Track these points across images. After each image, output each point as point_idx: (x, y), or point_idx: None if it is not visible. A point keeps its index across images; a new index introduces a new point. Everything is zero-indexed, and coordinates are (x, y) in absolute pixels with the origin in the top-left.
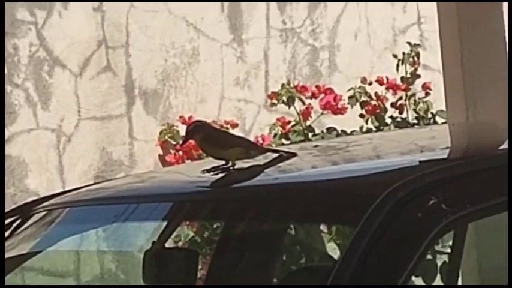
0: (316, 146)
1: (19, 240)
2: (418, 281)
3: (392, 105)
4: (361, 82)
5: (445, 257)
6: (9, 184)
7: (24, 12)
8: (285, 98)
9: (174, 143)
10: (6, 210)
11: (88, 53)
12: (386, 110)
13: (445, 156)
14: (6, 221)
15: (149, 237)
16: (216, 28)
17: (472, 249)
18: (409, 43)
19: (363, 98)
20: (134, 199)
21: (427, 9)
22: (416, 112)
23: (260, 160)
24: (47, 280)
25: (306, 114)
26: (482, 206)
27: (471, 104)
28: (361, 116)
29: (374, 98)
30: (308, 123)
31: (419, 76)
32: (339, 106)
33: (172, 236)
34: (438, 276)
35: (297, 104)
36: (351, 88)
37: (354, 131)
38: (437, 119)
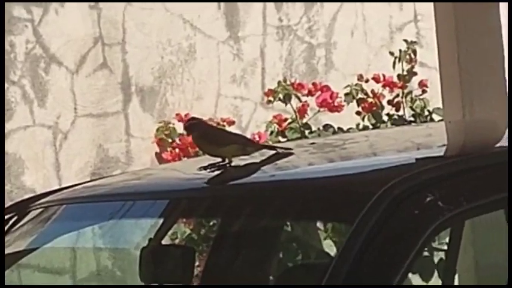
0: (312, 143)
1: (15, 237)
2: (415, 278)
3: (389, 102)
4: (358, 79)
5: (442, 254)
6: (6, 181)
7: (21, 9)
8: (281, 96)
9: (170, 140)
10: None
11: (84, 50)
12: (382, 108)
13: (442, 153)
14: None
15: (146, 234)
16: (212, 25)
17: (468, 247)
18: (405, 41)
19: (360, 96)
20: (131, 196)
21: (424, 7)
22: (413, 109)
23: (256, 157)
24: (43, 277)
25: (302, 111)
26: (478, 203)
27: (467, 101)
28: (358, 113)
29: (370, 95)
30: (304, 120)
31: (415, 74)
32: (336, 103)
33: (169, 233)
34: (435, 273)
35: (294, 101)
36: (348, 85)
37: (350, 128)
38: (434, 116)
